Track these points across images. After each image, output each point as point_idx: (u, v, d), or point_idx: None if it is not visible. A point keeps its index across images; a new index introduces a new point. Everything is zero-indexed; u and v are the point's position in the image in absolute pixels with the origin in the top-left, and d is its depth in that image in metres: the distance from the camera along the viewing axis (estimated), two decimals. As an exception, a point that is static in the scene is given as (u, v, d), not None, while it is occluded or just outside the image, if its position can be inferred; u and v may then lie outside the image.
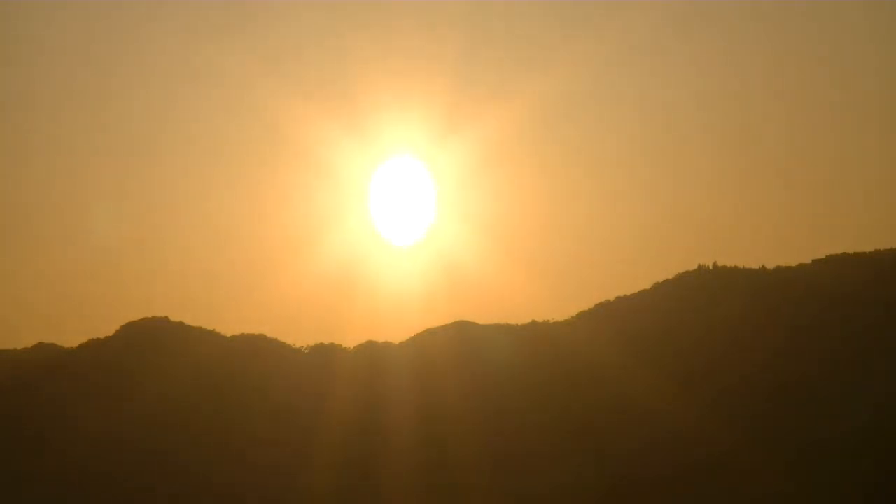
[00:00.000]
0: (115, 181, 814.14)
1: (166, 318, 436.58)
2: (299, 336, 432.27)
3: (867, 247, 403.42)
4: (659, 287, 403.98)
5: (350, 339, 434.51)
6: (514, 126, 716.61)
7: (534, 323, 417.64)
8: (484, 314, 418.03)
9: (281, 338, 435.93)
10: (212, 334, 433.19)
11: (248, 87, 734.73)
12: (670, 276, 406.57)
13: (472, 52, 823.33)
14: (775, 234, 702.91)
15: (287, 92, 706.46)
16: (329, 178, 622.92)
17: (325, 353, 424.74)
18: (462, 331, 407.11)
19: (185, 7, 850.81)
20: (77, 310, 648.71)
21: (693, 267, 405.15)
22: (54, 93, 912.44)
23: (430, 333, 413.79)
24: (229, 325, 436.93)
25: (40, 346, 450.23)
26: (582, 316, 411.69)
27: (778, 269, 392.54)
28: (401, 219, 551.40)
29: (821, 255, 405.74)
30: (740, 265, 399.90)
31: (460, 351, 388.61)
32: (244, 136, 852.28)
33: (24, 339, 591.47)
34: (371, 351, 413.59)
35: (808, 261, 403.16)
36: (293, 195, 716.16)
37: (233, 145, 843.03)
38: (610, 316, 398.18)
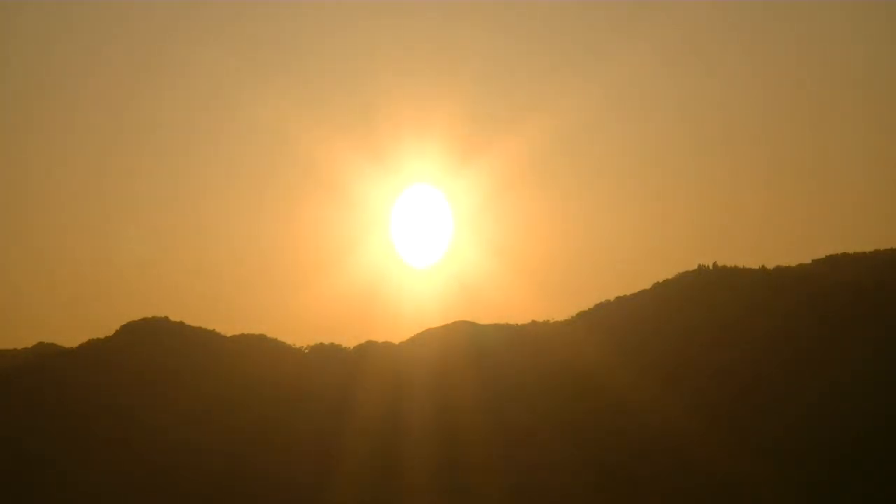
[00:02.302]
0: (144, 197, 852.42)
1: (166, 317, 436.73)
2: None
3: (867, 247, 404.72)
4: (659, 287, 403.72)
5: (350, 339, 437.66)
6: (524, 156, 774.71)
7: (534, 323, 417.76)
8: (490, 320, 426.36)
9: (281, 338, 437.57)
10: (212, 334, 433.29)
11: (282, 122, 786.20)
12: (670, 276, 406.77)
13: (484, 90, 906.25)
14: (775, 234, 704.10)
15: (317, 127, 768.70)
16: (354, 204, 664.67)
17: (326, 353, 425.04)
18: (462, 330, 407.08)
19: (230, 44, 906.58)
20: (77, 310, 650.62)
21: (693, 267, 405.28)
22: (67, 95, 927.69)
23: (430, 333, 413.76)
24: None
25: (40, 346, 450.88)
26: (582, 316, 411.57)
27: (778, 269, 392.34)
28: (419, 242, 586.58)
29: (821, 255, 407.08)
30: (740, 265, 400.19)
31: (460, 350, 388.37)
32: (278, 166, 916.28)
33: (24, 339, 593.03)
34: (371, 350, 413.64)
35: (808, 261, 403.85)
36: (321, 220, 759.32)
37: (267, 175, 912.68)
38: (610, 316, 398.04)
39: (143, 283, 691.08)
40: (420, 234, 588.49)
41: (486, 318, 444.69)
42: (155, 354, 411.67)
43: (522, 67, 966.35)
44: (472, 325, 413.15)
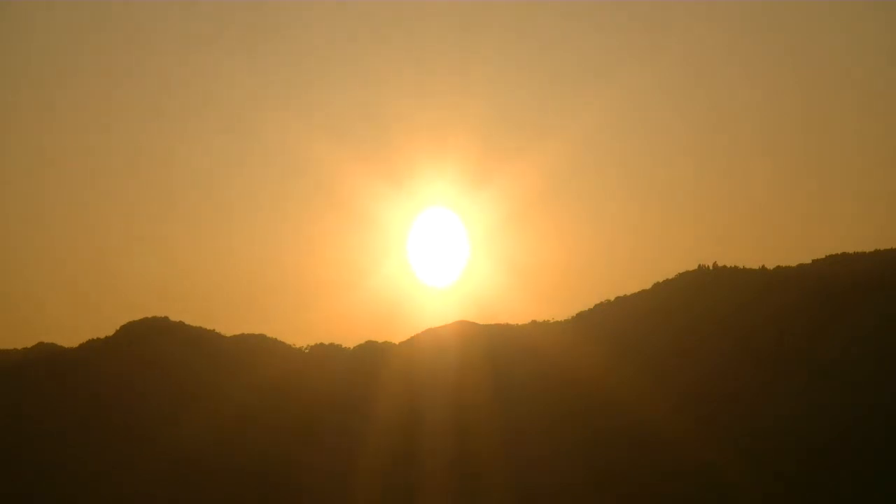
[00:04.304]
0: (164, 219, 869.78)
1: (166, 318, 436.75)
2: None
3: (867, 247, 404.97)
4: (659, 287, 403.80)
5: (351, 340, 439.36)
6: (537, 180, 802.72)
7: (534, 323, 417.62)
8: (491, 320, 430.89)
9: (281, 338, 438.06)
10: (212, 334, 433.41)
11: (305, 148, 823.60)
12: (670, 276, 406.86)
13: (498, 116, 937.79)
14: (775, 234, 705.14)
15: (339, 152, 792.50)
16: (373, 226, 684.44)
17: (326, 353, 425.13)
18: (462, 330, 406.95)
19: (256, 69, 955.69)
20: (77, 310, 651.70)
21: (693, 267, 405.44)
22: (73, 97, 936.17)
23: (429, 333, 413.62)
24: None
25: (40, 346, 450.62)
26: (582, 316, 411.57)
27: (778, 269, 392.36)
28: (436, 262, 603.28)
29: (821, 254, 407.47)
30: (740, 265, 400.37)
31: (461, 349, 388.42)
32: (300, 190, 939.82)
33: (24, 339, 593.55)
34: (371, 350, 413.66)
35: (808, 261, 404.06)
36: (341, 241, 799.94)
37: (289, 198, 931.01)
38: (610, 316, 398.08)
39: (144, 284, 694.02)
40: (437, 254, 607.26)
41: (486, 318, 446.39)
42: (155, 354, 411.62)
43: (535, 92, 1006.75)
44: (473, 325, 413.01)
